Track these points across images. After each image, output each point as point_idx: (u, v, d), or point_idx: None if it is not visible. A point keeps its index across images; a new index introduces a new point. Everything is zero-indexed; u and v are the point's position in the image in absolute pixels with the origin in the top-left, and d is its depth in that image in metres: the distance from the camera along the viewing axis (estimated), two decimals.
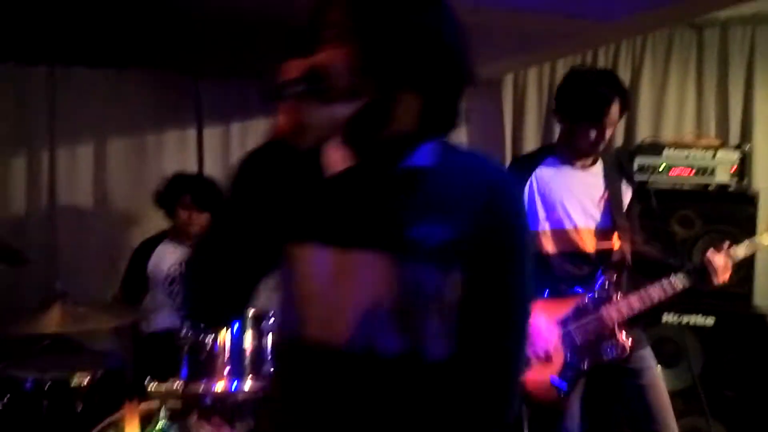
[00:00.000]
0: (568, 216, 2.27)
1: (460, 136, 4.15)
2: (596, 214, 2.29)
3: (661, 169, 3.24)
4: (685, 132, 3.71)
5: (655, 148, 3.30)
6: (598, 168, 2.33)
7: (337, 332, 1.01)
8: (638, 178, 2.93)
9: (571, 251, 2.27)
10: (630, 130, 3.86)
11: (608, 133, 2.23)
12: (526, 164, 2.32)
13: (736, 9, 3.45)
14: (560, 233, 2.26)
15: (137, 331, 3.16)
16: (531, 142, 3.99)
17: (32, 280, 3.25)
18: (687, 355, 2.98)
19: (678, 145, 3.29)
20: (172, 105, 3.64)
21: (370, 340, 1.00)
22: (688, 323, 3.10)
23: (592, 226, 2.29)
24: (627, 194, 2.36)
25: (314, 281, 1.04)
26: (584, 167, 2.31)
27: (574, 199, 2.27)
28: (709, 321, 3.12)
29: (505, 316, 1.04)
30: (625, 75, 3.81)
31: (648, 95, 3.81)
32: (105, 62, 3.52)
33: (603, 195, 2.31)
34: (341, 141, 1.04)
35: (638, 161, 3.29)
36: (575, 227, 2.27)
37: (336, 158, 1.06)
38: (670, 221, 3.18)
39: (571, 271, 2.27)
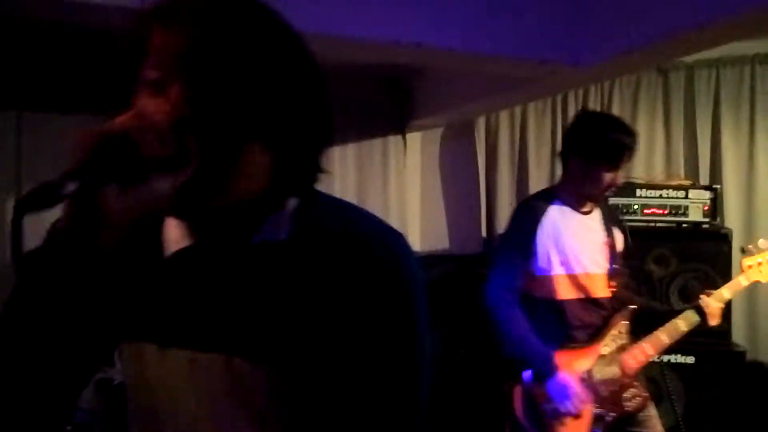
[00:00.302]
0: (579, 261, 2.25)
1: (435, 180, 4.19)
2: (602, 260, 2.29)
3: (635, 209, 3.28)
4: (656, 172, 3.78)
5: (627, 189, 3.34)
6: (597, 214, 2.33)
7: None
8: None
9: (584, 297, 2.25)
10: None
11: (619, 179, 2.22)
12: (535, 208, 2.28)
13: (701, 53, 3.56)
14: (573, 279, 2.24)
15: (107, 381, 3.06)
16: (505, 184, 4.03)
17: None
18: (669, 395, 2.96)
19: (650, 186, 3.35)
20: None
21: None
22: (669, 362, 3.10)
23: (601, 271, 2.28)
24: (619, 240, 2.36)
25: (145, 389, 0.84)
26: (586, 213, 2.30)
27: (583, 244, 2.26)
28: (690, 359, 3.13)
29: (390, 412, 0.81)
30: None
31: None
32: (78, 108, 3.50)
33: (605, 240, 2.31)
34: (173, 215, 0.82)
35: (612, 201, 3.32)
36: (586, 273, 2.26)
37: (173, 236, 0.84)
38: (646, 260, 3.21)
39: (585, 318, 2.24)
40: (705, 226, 3.25)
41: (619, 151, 2.17)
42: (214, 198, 0.78)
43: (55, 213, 0.74)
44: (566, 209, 2.27)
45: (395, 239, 0.84)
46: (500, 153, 4.04)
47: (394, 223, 4.05)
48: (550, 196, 2.32)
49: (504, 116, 4.04)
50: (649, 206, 3.28)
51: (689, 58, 3.71)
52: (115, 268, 0.74)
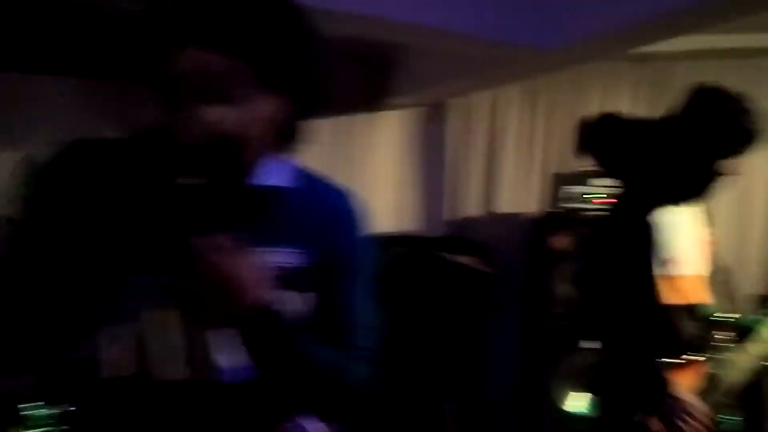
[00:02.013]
0: (682, 261, 2.02)
1: (406, 160, 4.18)
2: (701, 259, 2.08)
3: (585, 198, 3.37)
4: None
5: (580, 178, 3.40)
6: (695, 207, 2.10)
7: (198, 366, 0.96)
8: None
9: (686, 304, 2.03)
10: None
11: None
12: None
13: (679, 45, 3.50)
14: (675, 281, 2.01)
15: None
16: (476, 166, 4.03)
17: None
18: None
19: None
20: None
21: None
22: None
23: (700, 273, 2.08)
24: (711, 236, 2.16)
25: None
26: (689, 205, 2.08)
27: (684, 241, 2.03)
28: None
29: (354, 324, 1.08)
30: (566, 106, 3.85)
31: None
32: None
33: (704, 238, 2.11)
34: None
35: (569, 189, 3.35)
36: (688, 275, 2.04)
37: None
38: None
39: (688, 328, 2.02)
40: None
41: (756, 138, 1.95)
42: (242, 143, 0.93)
43: None
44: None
45: (349, 200, 1.12)
46: (473, 136, 4.03)
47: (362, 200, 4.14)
48: None
49: (478, 99, 4.01)
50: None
51: (667, 48, 3.65)
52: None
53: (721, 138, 1.94)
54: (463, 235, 4.04)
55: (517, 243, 3.85)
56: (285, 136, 0.99)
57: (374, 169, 4.11)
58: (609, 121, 2.17)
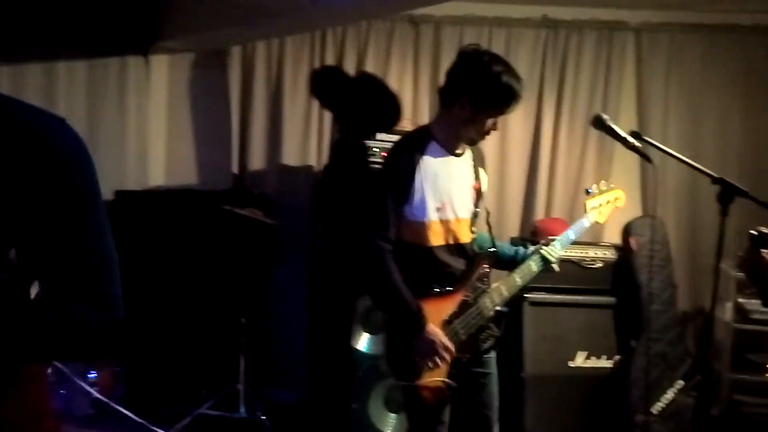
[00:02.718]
0: (452, 207, 2.21)
1: (183, 109, 4.00)
2: (469, 203, 2.28)
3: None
4: (404, 121, 3.93)
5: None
6: (468, 156, 2.28)
7: None
8: None
9: (452, 243, 2.23)
10: None
11: (499, 124, 2.21)
12: (413, 151, 2.17)
13: (448, 10, 3.75)
14: (445, 225, 2.21)
15: None
16: (259, 117, 3.98)
17: None
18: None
19: (396, 132, 3.48)
20: None
21: None
22: None
23: (468, 216, 2.27)
24: (484, 182, 2.36)
25: None
26: (458, 155, 2.25)
27: (456, 189, 2.23)
28: None
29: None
30: (351, 60, 3.95)
31: None
32: None
33: (473, 184, 2.29)
34: None
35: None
36: (457, 218, 2.23)
37: None
38: None
39: (452, 263, 2.22)
40: None
41: (514, 98, 2.14)
42: None
43: None
44: (442, 151, 2.20)
45: (59, 125, 0.93)
46: (255, 87, 3.96)
47: (132, 152, 3.91)
48: (426, 136, 2.21)
49: (261, 49, 3.94)
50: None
51: (437, 13, 3.89)
52: None
53: (485, 95, 2.14)
54: (248, 187, 3.99)
55: (303, 195, 3.92)
56: None
57: (147, 118, 3.85)
58: (328, 72, 2.47)
